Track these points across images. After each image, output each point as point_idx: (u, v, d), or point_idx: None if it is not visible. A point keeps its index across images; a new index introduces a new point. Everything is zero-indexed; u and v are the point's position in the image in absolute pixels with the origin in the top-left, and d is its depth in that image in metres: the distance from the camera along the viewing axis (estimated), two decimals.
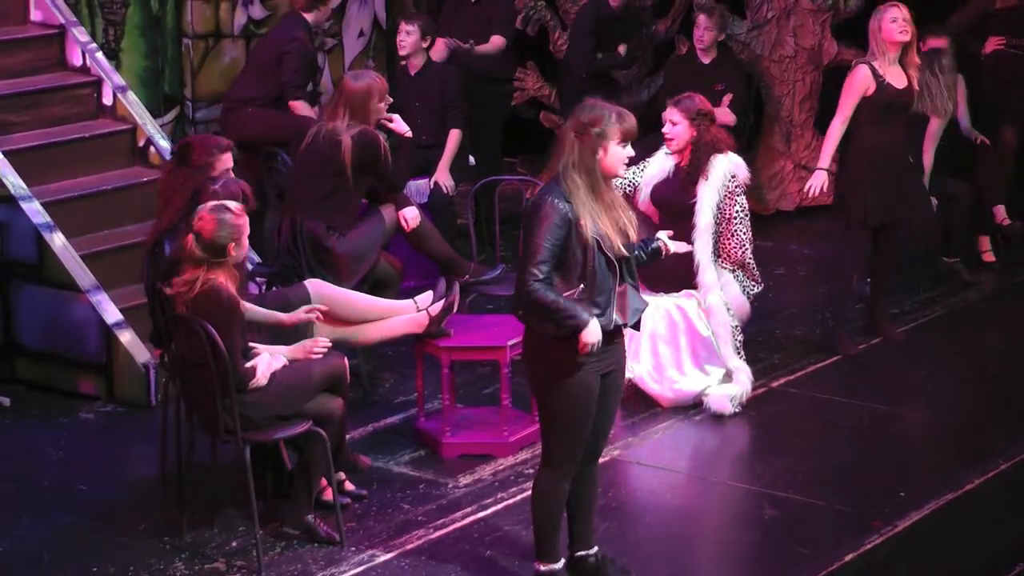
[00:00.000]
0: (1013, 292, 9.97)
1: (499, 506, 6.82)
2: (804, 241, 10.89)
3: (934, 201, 9.49)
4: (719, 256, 7.91)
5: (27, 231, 8.19)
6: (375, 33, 11.13)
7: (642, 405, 7.89)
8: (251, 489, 6.20)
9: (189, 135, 9.39)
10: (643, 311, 5.92)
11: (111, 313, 8.03)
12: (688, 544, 6.70)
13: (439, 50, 10.07)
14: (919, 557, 6.67)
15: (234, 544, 6.48)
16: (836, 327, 8.82)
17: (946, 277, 9.94)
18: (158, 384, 7.79)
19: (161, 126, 9.43)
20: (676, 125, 7.86)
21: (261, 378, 6.24)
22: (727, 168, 7.84)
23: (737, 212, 7.87)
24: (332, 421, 6.43)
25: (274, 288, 7.67)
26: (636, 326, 5.96)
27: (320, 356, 6.48)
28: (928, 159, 9.63)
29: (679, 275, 7.75)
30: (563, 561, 6.00)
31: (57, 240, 8.15)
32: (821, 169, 8.60)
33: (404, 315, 7.30)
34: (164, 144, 8.96)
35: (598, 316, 5.65)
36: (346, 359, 6.64)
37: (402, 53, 9.82)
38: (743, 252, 7.94)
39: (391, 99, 7.81)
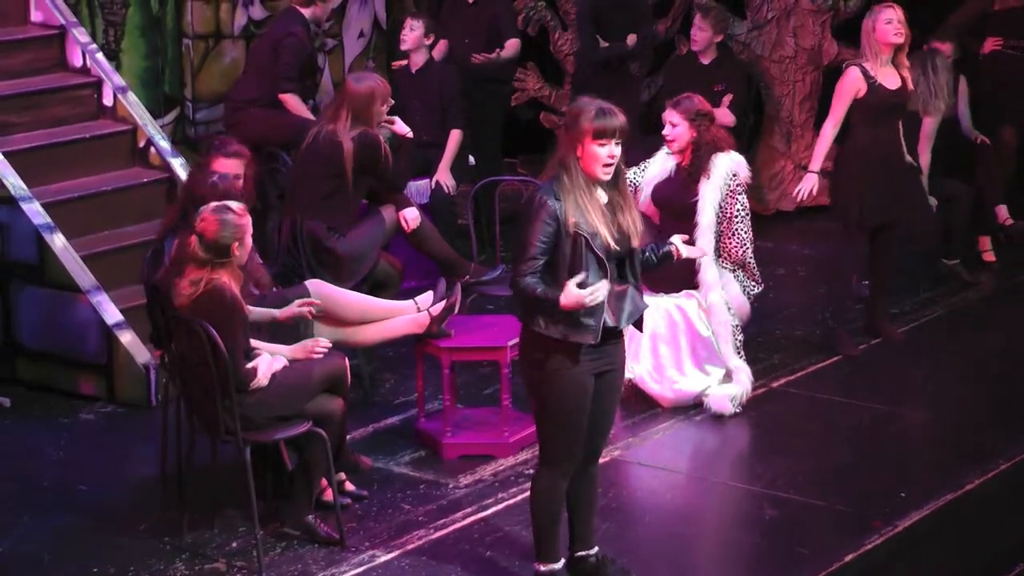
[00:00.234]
0: (1013, 292, 9.97)
1: (499, 506, 6.81)
2: (804, 241, 10.88)
3: (933, 202, 9.50)
4: (720, 255, 7.91)
5: (27, 232, 8.19)
6: (375, 34, 11.13)
7: (642, 405, 7.89)
8: (251, 489, 6.20)
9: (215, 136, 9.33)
10: (639, 314, 5.87)
11: (111, 314, 8.03)
12: (688, 544, 6.70)
13: (439, 49, 10.07)
14: (919, 557, 6.67)
15: (234, 544, 6.47)
16: (836, 327, 8.80)
17: (946, 277, 9.93)
18: (158, 384, 7.79)
19: (161, 127, 9.43)
20: (676, 126, 7.86)
21: (262, 379, 6.24)
22: (729, 166, 7.84)
23: (738, 211, 7.87)
24: (332, 421, 6.43)
25: (274, 288, 7.66)
26: (639, 326, 5.96)
27: (320, 356, 6.49)
28: (925, 159, 9.62)
29: (679, 275, 7.74)
30: (563, 561, 6.00)
31: (57, 241, 8.15)
32: (812, 172, 8.60)
33: (405, 316, 7.30)
34: (164, 145, 8.96)
35: (587, 316, 5.62)
36: (347, 359, 6.64)
37: (404, 48, 9.82)
38: (744, 251, 7.94)
39: (392, 101, 7.82)
